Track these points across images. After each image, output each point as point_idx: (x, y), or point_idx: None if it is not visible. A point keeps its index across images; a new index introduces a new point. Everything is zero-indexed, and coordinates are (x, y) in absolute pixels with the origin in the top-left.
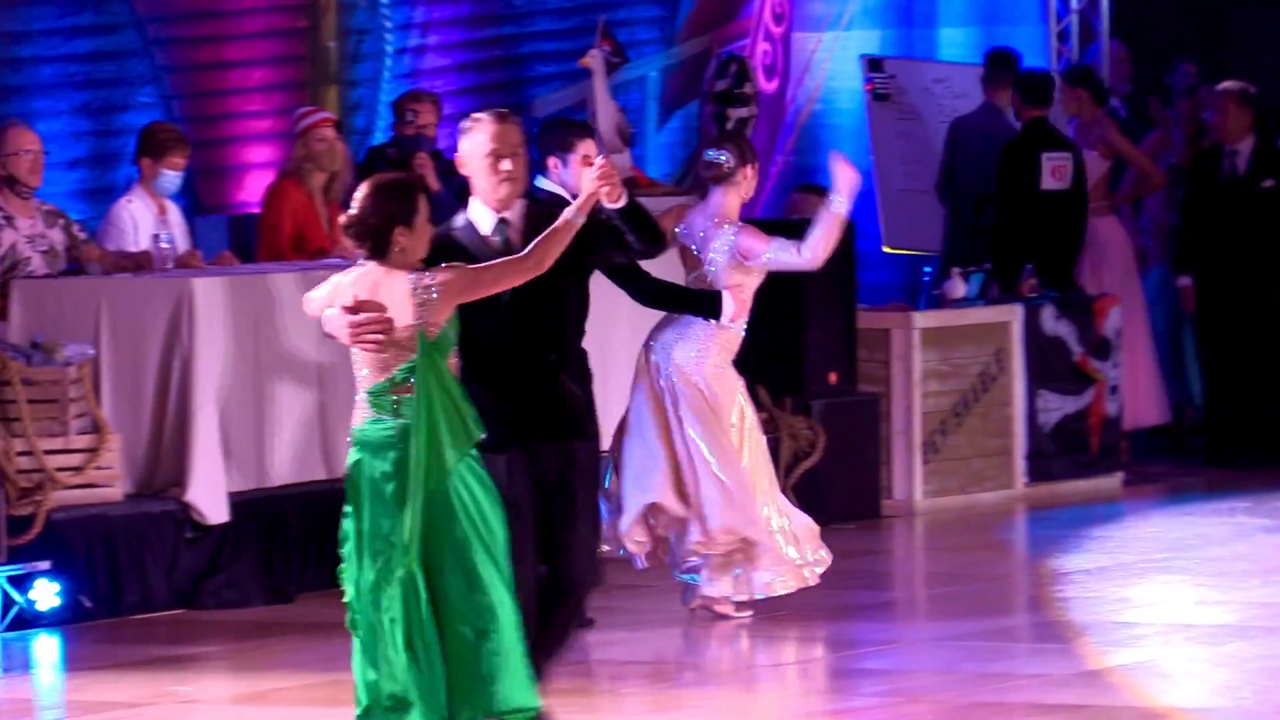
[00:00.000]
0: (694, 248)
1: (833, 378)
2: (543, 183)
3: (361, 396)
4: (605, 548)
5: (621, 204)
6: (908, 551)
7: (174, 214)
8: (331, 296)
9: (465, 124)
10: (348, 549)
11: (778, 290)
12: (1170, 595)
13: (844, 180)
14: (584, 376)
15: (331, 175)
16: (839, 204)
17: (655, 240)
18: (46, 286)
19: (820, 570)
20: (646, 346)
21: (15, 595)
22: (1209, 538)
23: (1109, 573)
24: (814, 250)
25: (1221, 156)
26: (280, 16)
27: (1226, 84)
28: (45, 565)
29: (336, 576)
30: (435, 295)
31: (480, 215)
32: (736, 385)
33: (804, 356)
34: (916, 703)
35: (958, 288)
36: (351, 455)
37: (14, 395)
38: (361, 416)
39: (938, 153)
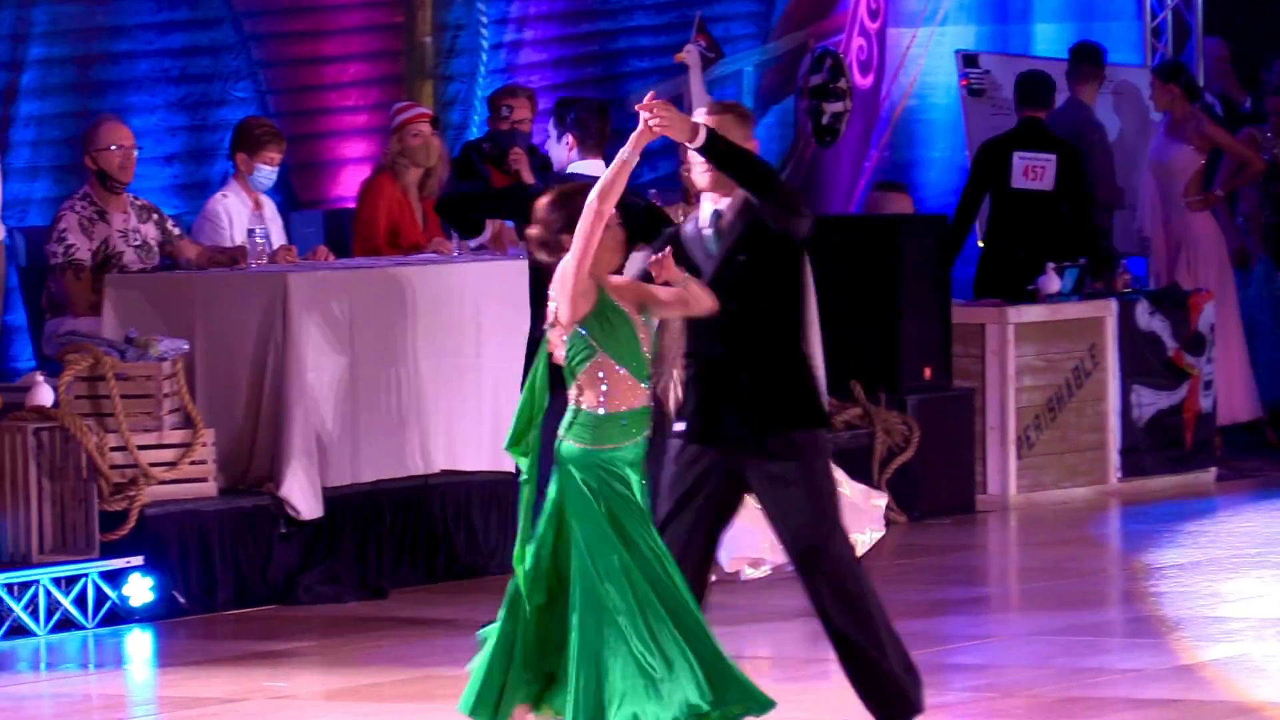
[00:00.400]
0: None
1: (927, 373)
2: (583, 166)
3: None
4: None
5: (699, 141)
6: (1001, 546)
7: (269, 209)
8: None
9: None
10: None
11: (873, 286)
12: (1263, 590)
13: None
14: (797, 363)
15: (427, 171)
16: None
17: (765, 184)
18: (140, 281)
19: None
20: None
21: (109, 591)
22: None
23: (1202, 568)
24: None
25: None
26: (376, 11)
27: None
28: (138, 561)
29: (433, 571)
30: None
31: (704, 206)
32: None
33: (899, 352)
34: (1010, 698)
35: (1052, 283)
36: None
37: (108, 390)
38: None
39: None
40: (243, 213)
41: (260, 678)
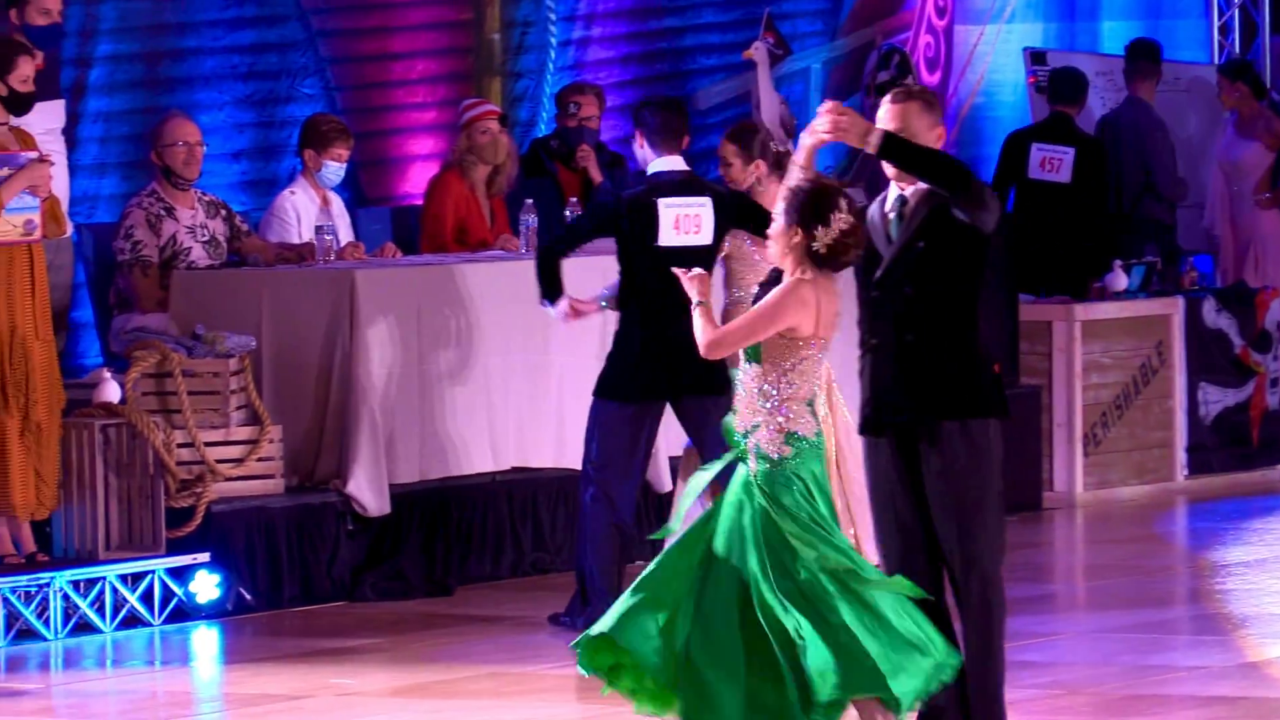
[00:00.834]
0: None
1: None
2: (661, 163)
3: (800, 405)
4: None
5: (874, 146)
6: (1068, 544)
7: (337, 206)
8: (802, 302)
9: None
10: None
11: None
12: None
13: None
14: (972, 350)
15: (495, 168)
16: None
17: (951, 181)
18: (208, 277)
19: None
20: None
21: (175, 587)
22: None
23: (1268, 565)
24: None
25: None
26: (445, 8)
27: None
28: (205, 557)
29: (500, 568)
30: None
31: (890, 191)
32: None
33: None
34: (1076, 694)
35: (1119, 280)
36: (811, 463)
37: (175, 387)
38: (810, 427)
39: None
40: (310, 209)
41: (326, 675)
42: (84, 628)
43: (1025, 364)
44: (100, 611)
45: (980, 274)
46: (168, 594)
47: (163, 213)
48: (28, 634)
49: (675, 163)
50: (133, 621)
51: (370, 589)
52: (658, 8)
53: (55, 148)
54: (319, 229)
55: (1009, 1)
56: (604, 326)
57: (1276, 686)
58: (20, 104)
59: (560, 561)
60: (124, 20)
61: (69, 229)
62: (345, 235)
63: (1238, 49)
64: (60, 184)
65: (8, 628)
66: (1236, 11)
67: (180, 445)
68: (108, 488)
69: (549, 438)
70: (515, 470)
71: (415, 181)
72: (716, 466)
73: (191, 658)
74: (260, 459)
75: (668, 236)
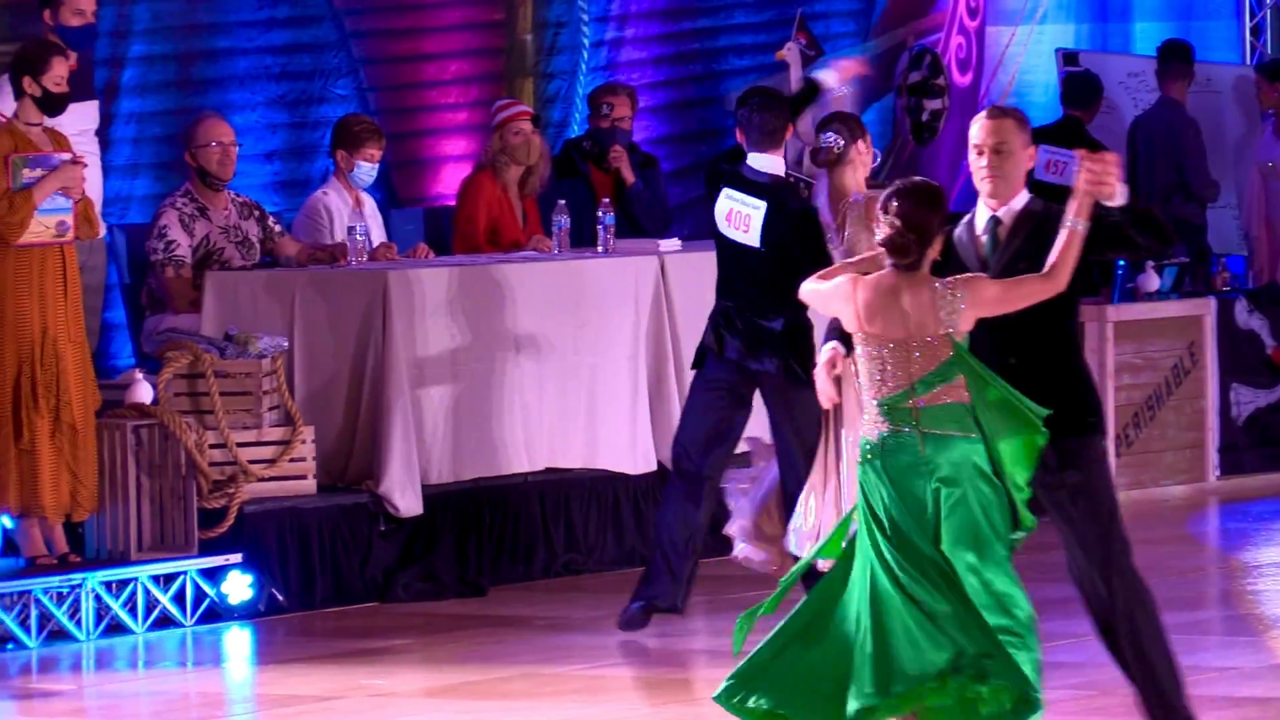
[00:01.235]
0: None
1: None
2: (756, 160)
3: (872, 406)
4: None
5: (1122, 202)
6: None
7: (370, 206)
8: (828, 298)
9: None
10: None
11: None
12: None
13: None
14: (1078, 370)
15: (527, 168)
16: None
17: (1165, 238)
18: (241, 278)
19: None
20: None
21: (207, 588)
22: None
23: None
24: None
25: None
26: (477, 9)
27: None
28: (237, 558)
29: (532, 569)
30: (962, 306)
31: (979, 211)
32: None
33: None
34: (1108, 695)
35: (1152, 281)
36: (864, 471)
37: (207, 387)
38: (875, 429)
39: None
40: (343, 210)
41: (358, 676)
42: (116, 629)
43: None
44: (132, 612)
45: (1079, 291)
46: (200, 595)
47: (196, 213)
48: (60, 635)
49: (767, 161)
50: (165, 622)
51: (403, 590)
52: (690, 8)
53: (89, 149)
54: (351, 230)
55: (1041, 2)
56: (635, 326)
57: None
58: (54, 105)
59: (593, 562)
60: (157, 21)
61: (102, 230)
62: (378, 236)
63: (1269, 50)
64: (94, 185)
65: (40, 628)
66: (1269, 12)
67: (212, 446)
68: (140, 489)
69: (581, 438)
70: (548, 471)
71: (448, 182)
72: None
73: (223, 658)
74: (293, 460)
75: (721, 223)
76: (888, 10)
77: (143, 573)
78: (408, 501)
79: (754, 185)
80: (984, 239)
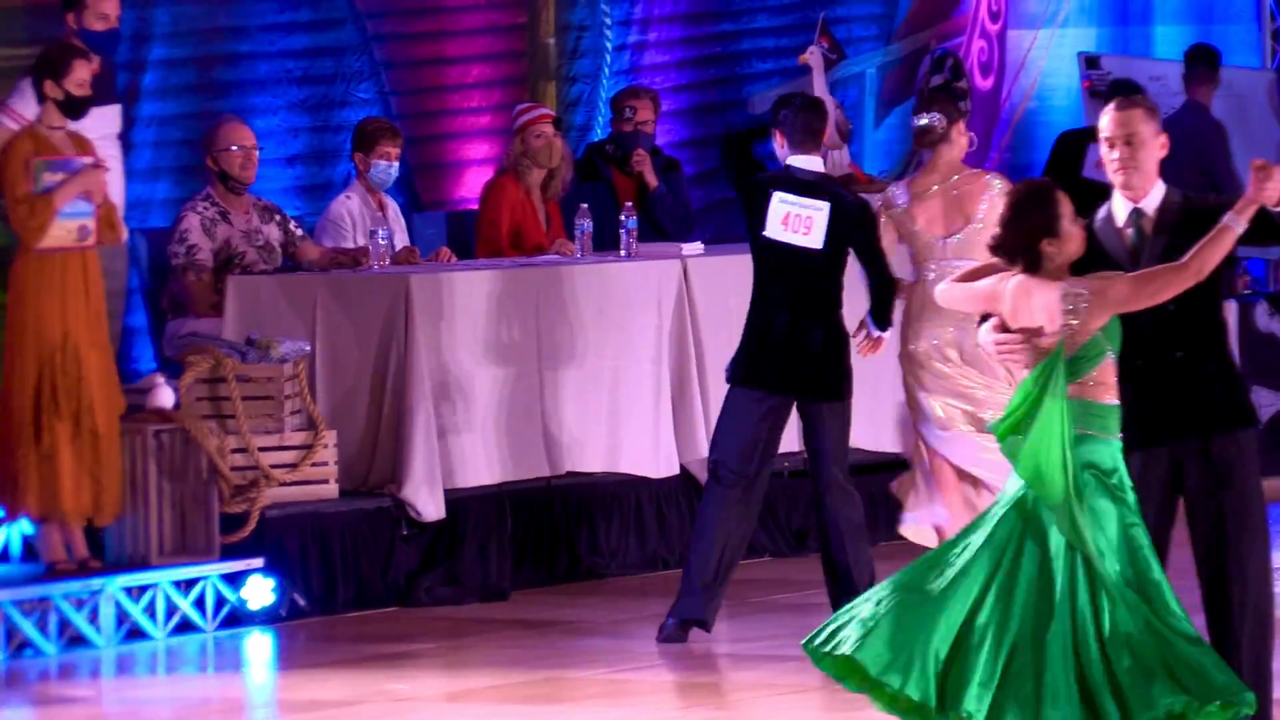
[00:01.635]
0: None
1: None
2: (797, 160)
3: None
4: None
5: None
6: None
7: (392, 210)
8: (979, 298)
9: None
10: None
11: None
12: None
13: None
14: (1229, 362)
15: (550, 172)
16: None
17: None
18: (262, 282)
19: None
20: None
21: (228, 593)
22: None
23: None
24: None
25: None
26: (499, 12)
27: None
28: (259, 563)
29: (554, 573)
30: (1085, 304)
31: (1118, 205)
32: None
33: None
34: None
35: None
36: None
37: (229, 392)
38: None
39: None
40: (365, 215)
41: (380, 680)
42: (136, 634)
43: None
44: (153, 617)
45: (1220, 281)
46: (221, 600)
47: (217, 217)
48: (79, 640)
49: (811, 162)
50: (185, 627)
51: (425, 594)
52: (713, 12)
53: (111, 153)
54: (373, 233)
55: (1062, 6)
56: (658, 330)
57: None
58: (76, 108)
59: (615, 566)
60: (178, 25)
61: (124, 236)
62: (400, 240)
63: None
64: (116, 190)
65: (60, 634)
66: None
67: (234, 451)
68: (161, 493)
69: (604, 442)
70: (570, 475)
71: (470, 186)
72: None
73: (244, 663)
74: (315, 464)
75: (774, 229)
76: (910, 14)
77: (163, 578)
78: (430, 506)
79: (808, 186)
80: (1129, 232)
